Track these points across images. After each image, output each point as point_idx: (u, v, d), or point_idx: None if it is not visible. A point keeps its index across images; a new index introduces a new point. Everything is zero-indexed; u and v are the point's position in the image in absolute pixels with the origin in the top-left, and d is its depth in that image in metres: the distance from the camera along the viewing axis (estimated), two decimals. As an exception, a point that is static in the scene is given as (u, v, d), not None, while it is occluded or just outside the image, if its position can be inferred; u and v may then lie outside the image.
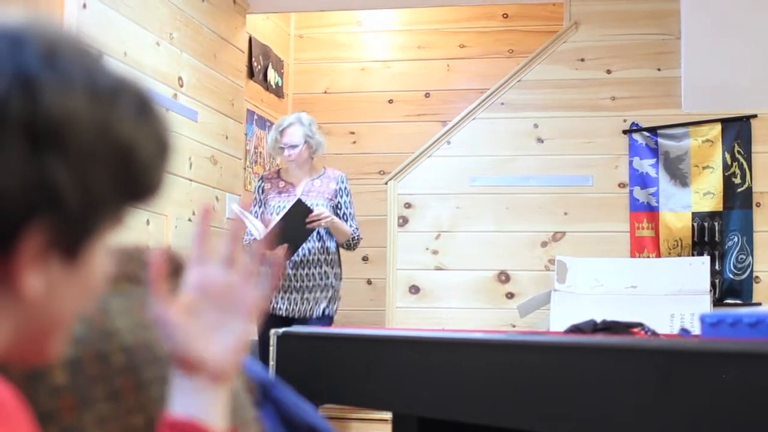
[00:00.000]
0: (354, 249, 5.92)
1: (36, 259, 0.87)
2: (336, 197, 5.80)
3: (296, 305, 5.70)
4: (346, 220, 5.78)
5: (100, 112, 0.89)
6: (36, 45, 0.86)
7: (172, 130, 0.95)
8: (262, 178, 5.98)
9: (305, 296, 5.70)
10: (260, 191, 5.87)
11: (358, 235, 5.84)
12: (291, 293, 5.71)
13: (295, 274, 5.68)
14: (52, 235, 0.87)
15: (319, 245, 5.70)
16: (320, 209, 5.54)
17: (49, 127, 0.85)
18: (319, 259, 5.71)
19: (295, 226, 5.42)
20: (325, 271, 5.73)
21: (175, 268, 1.26)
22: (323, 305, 5.72)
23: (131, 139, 0.91)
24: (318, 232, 5.66)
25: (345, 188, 5.85)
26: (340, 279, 5.85)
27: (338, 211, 5.77)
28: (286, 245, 5.32)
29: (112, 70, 0.91)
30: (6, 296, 0.88)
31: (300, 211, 5.44)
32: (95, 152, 0.88)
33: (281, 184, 5.83)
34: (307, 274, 5.69)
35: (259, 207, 5.82)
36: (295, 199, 5.50)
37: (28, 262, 0.87)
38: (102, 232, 0.94)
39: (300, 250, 5.63)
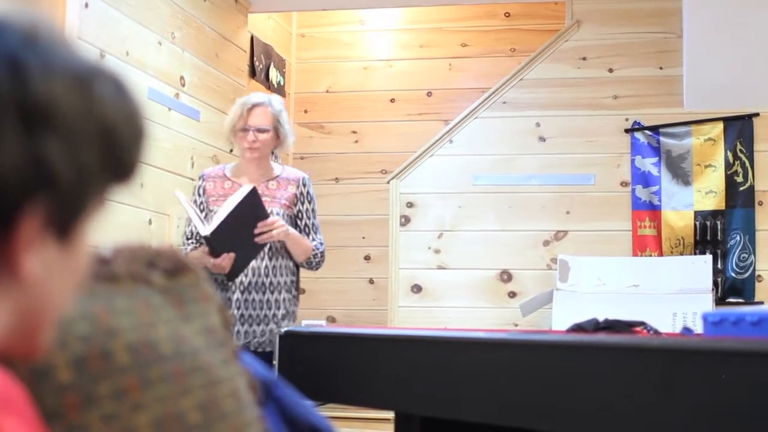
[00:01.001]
0: (317, 268, 4.83)
1: (34, 239, 0.88)
2: (295, 204, 4.72)
3: (239, 338, 4.55)
4: (308, 234, 4.71)
5: (82, 93, 0.91)
6: (15, 30, 0.88)
7: (145, 112, 0.98)
8: (203, 176, 4.78)
9: (251, 329, 4.61)
10: (200, 192, 4.73)
11: (321, 252, 4.75)
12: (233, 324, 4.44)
13: (238, 300, 4.59)
14: (48, 215, 0.88)
15: (272, 264, 4.61)
16: (274, 218, 4.53)
17: (39, 106, 0.87)
18: (272, 282, 4.63)
19: (245, 227, 4.43)
20: (277, 299, 4.65)
21: (176, 268, 1.27)
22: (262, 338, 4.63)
23: (112, 118, 0.94)
24: (270, 247, 4.60)
25: (308, 193, 4.76)
26: (297, 304, 4.78)
27: (298, 222, 4.71)
28: (232, 254, 4.40)
29: (84, 55, 0.93)
30: (4, 279, 0.88)
31: (253, 207, 4.44)
32: (83, 130, 0.90)
33: (227, 184, 4.69)
34: (253, 301, 4.61)
35: (200, 211, 4.62)
36: (249, 187, 4.46)
37: (27, 242, 0.87)
38: (91, 212, 0.96)
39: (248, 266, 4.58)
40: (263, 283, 4.62)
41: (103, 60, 4.96)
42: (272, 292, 4.62)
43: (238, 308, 4.56)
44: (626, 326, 3.33)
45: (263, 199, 4.55)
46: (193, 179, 5.95)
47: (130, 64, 5.26)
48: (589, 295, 5.93)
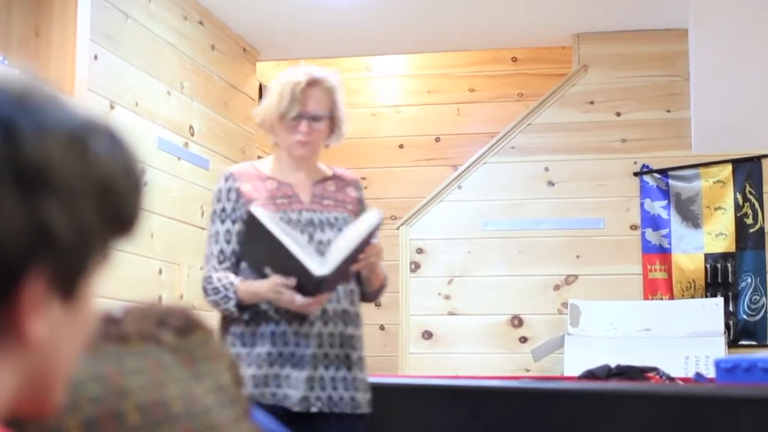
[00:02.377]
0: (376, 300, 3.91)
1: (39, 302, 0.88)
2: (357, 212, 3.69)
3: (311, 390, 3.41)
4: None
5: (77, 151, 0.91)
6: (6, 92, 0.88)
7: (141, 161, 0.98)
8: (231, 176, 3.64)
9: (320, 374, 3.44)
10: (231, 196, 3.60)
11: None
12: (302, 368, 3.42)
13: (320, 334, 3.47)
14: (51, 276, 0.88)
15: (349, 287, 3.59)
16: (378, 242, 3.53)
17: (35, 168, 0.86)
18: (346, 312, 3.56)
19: (352, 256, 3.41)
20: (352, 336, 3.56)
21: (187, 326, 1.27)
22: (351, 392, 3.47)
23: (110, 173, 0.94)
24: None
25: (363, 199, 3.81)
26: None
27: None
28: (329, 293, 3.44)
29: (79, 110, 0.93)
30: (10, 344, 0.88)
31: (369, 234, 3.43)
32: (80, 189, 0.90)
33: (271, 185, 3.61)
34: (331, 336, 3.50)
35: (232, 222, 3.57)
36: (377, 214, 3.47)
37: (31, 306, 0.87)
38: (94, 269, 0.95)
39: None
40: (343, 312, 3.54)
41: (109, 112, 4.99)
42: (346, 324, 3.53)
43: (320, 346, 3.43)
44: (639, 372, 3.32)
45: (325, 204, 3.62)
46: (203, 228, 5.95)
47: (140, 115, 5.29)
48: (600, 339, 5.91)
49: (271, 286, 3.35)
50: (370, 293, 3.70)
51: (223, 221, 3.58)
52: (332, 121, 3.61)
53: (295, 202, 3.59)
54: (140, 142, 5.23)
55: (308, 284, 3.30)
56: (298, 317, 3.42)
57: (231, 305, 3.45)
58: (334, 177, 3.73)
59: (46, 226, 0.86)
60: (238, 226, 3.55)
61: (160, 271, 5.41)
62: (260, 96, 7.23)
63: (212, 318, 5.90)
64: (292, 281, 3.30)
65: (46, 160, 0.87)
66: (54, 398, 0.96)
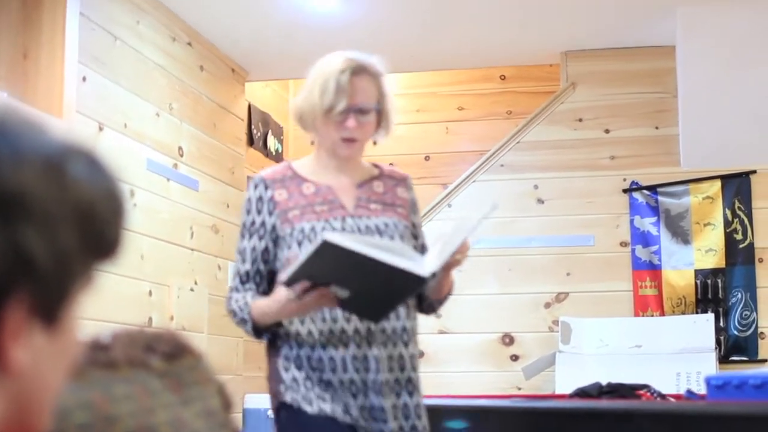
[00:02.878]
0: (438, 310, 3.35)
1: (20, 329, 0.87)
2: (409, 215, 3.27)
3: (404, 419, 3.03)
4: None
5: (54, 176, 0.90)
6: None
7: (122, 183, 0.97)
8: (262, 182, 3.19)
9: (404, 401, 3.07)
10: (264, 206, 3.17)
11: None
12: (356, 395, 3.02)
13: (377, 357, 3.05)
14: (32, 303, 0.88)
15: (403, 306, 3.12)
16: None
17: (11, 194, 0.86)
18: (406, 330, 3.14)
19: None
20: (413, 355, 3.15)
21: (175, 351, 1.26)
22: (423, 419, 3.12)
23: (89, 197, 0.93)
24: None
25: (415, 199, 3.36)
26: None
27: (415, 242, 3.28)
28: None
29: (57, 135, 0.93)
30: None
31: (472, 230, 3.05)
32: (59, 215, 0.89)
33: (308, 189, 3.18)
34: (390, 359, 3.08)
35: (270, 237, 3.15)
36: (479, 219, 3.07)
37: (13, 334, 0.87)
38: (76, 294, 0.94)
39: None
40: (403, 331, 3.12)
41: (97, 134, 4.98)
42: (406, 345, 3.12)
43: (378, 371, 3.02)
44: (630, 390, 3.31)
45: (372, 207, 3.18)
46: (193, 249, 5.94)
47: (129, 136, 5.29)
48: (591, 356, 5.91)
49: (278, 299, 2.93)
50: (435, 301, 3.25)
51: (250, 236, 3.16)
52: (380, 114, 3.21)
53: (337, 208, 3.14)
54: (129, 164, 5.24)
55: (409, 289, 2.89)
56: (344, 340, 3.02)
57: (248, 328, 3.10)
58: (382, 176, 3.31)
59: (25, 252, 0.86)
60: (266, 243, 3.13)
61: (150, 293, 5.40)
62: (249, 116, 7.23)
63: (202, 340, 5.90)
64: (297, 288, 2.83)
65: (22, 188, 0.86)
66: (40, 424, 0.95)
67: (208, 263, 6.15)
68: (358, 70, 3.14)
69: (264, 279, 3.15)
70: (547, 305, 6.38)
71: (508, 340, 6.39)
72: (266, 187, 3.16)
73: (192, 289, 5.86)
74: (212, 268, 6.20)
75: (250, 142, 7.30)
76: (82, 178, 0.93)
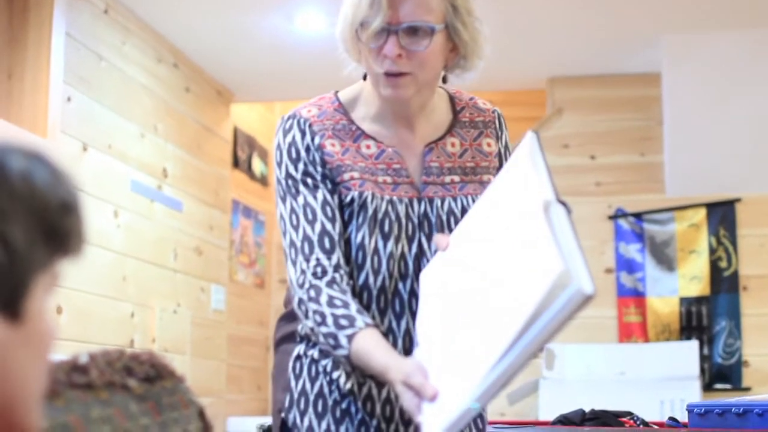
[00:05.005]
0: None
1: None
2: (503, 165, 2.34)
3: None
4: None
5: None
6: None
7: (70, 178, 0.98)
8: (307, 125, 2.23)
9: None
10: (316, 155, 2.22)
11: None
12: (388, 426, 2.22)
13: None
14: None
15: None
16: None
17: None
18: None
19: None
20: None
21: (154, 373, 1.24)
22: None
23: (32, 191, 0.94)
24: None
25: (508, 141, 2.47)
26: None
27: None
28: None
29: None
30: None
31: None
32: (5, 210, 0.90)
33: (371, 149, 2.25)
34: None
35: (334, 190, 2.20)
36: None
37: None
38: (37, 286, 0.94)
39: None
40: None
41: (82, 154, 4.96)
42: None
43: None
44: (613, 417, 3.30)
45: (446, 179, 2.25)
46: (176, 271, 5.91)
47: (113, 157, 5.27)
48: (575, 383, 5.89)
49: (402, 379, 1.88)
50: None
51: (297, 192, 2.20)
52: (450, 39, 2.21)
53: (404, 183, 2.23)
54: (113, 185, 5.22)
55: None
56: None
57: (340, 354, 2.06)
58: (459, 121, 2.35)
59: None
60: (323, 194, 2.18)
61: (133, 314, 5.37)
62: (235, 138, 7.22)
63: (185, 363, 5.87)
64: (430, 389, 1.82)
65: None
66: (27, 419, 0.94)
67: (191, 285, 6.12)
68: None
69: (337, 246, 2.16)
70: (531, 331, 6.35)
71: (491, 365, 6.36)
72: (313, 135, 2.22)
73: (175, 311, 5.83)
74: (195, 291, 6.17)
75: (235, 164, 7.28)
76: (26, 174, 0.94)
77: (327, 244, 2.14)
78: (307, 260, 2.13)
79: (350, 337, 2.02)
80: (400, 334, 2.19)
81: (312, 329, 2.10)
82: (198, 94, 6.43)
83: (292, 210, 2.19)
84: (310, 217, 2.16)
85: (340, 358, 2.08)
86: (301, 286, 2.13)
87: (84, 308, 4.86)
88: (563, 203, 1.79)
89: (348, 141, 2.22)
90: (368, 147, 2.22)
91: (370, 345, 2.01)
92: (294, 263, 2.16)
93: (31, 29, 4.66)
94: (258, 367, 7.44)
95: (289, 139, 2.24)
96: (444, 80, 2.29)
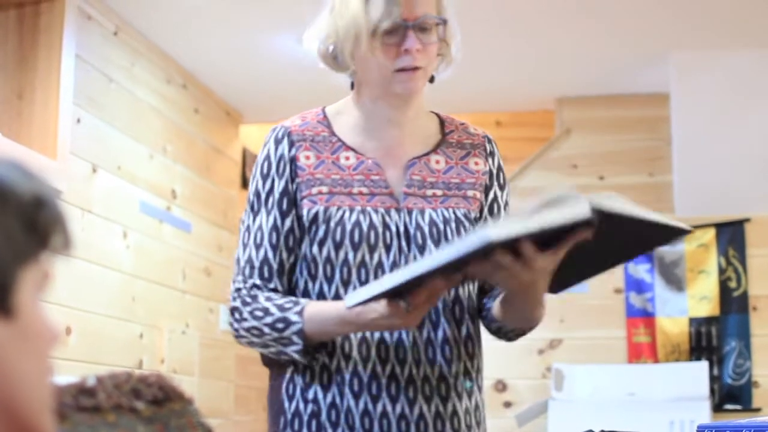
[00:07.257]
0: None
1: None
2: (494, 185, 2.50)
3: None
4: None
5: None
6: None
7: (42, 178, 1.00)
8: (286, 135, 2.32)
9: None
10: (288, 167, 2.27)
11: None
12: None
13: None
14: None
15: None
16: None
17: None
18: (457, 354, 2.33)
19: None
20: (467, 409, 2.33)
21: (163, 395, 1.24)
22: None
23: (4, 187, 0.95)
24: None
25: (500, 168, 2.55)
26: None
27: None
28: None
29: None
30: None
31: None
32: None
33: (349, 160, 2.27)
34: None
35: (296, 215, 2.24)
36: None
37: None
38: (24, 280, 0.94)
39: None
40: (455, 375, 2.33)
41: (91, 176, 4.97)
42: (460, 397, 2.34)
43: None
44: (623, 438, 3.28)
45: (427, 192, 2.27)
46: (185, 292, 5.91)
47: (122, 178, 5.27)
48: (584, 403, 5.88)
49: (374, 311, 2.00)
50: (528, 327, 2.45)
51: (268, 211, 2.24)
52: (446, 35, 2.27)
53: (382, 194, 2.23)
54: (122, 206, 5.23)
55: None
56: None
57: (293, 350, 2.15)
58: (446, 141, 2.38)
59: None
60: (291, 222, 2.22)
61: (141, 335, 5.37)
62: (243, 159, 7.23)
63: (193, 384, 5.86)
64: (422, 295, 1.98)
65: None
66: (37, 420, 0.94)
67: (200, 306, 6.12)
68: None
69: (284, 276, 2.22)
70: (541, 352, 6.34)
71: (501, 386, 6.35)
72: (291, 144, 2.27)
73: (183, 332, 5.83)
74: (204, 312, 6.17)
75: (244, 184, 7.29)
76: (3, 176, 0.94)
77: (266, 273, 2.21)
78: (245, 281, 2.22)
79: (299, 312, 2.11)
80: (373, 342, 2.18)
81: (253, 332, 2.18)
82: (207, 115, 6.44)
83: (248, 228, 2.27)
84: (257, 241, 2.24)
85: (292, 346, 2.13)
86: (235, 299, 2.22)
87: (93, 329, 4.86)
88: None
89: (326, 153, 2.26)
90: (347, 158, 2.25)
91: (319, 306, 2.11)
92: (234, 279, 2.25)
93: (41, 50, 4.67)
94: (266, 388, 7.41)
95: (264, 152, 2.32)
96: (431, 80, 2.35)
